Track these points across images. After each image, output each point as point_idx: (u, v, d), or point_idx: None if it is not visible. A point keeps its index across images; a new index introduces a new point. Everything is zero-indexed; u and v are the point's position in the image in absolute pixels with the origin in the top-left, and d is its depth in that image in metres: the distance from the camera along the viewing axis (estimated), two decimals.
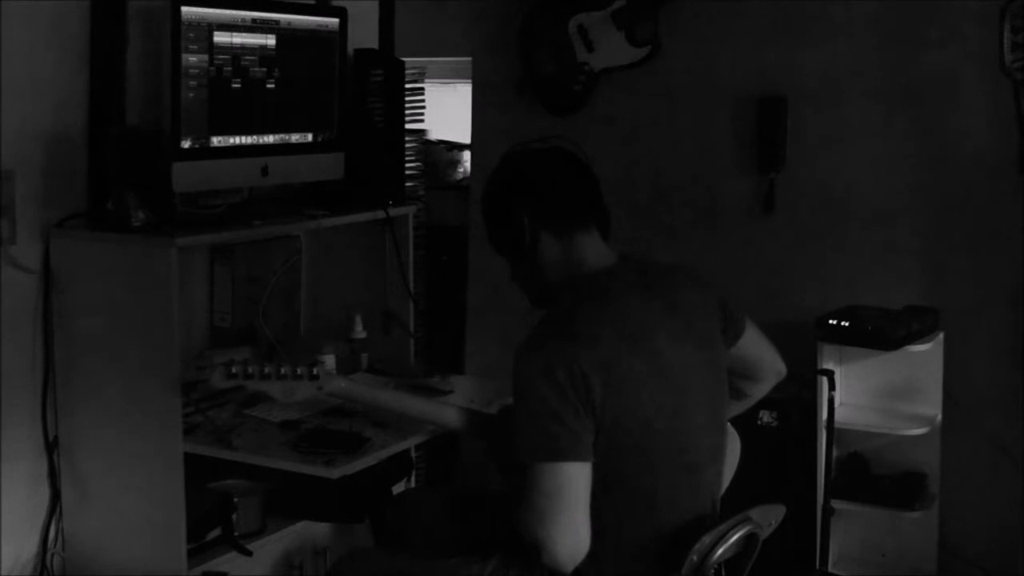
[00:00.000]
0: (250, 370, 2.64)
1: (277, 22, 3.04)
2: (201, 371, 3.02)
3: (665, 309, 2.36)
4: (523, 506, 2.20)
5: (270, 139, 3.09)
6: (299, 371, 2.65)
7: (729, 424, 2.54)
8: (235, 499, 2.98)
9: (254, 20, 2.98)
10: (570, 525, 2.18)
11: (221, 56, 2.89)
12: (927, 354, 3.64)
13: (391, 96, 3.41)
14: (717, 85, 4.00)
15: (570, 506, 2.18)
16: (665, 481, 2.30)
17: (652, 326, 2.32)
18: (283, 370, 2.65)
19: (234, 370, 2.64)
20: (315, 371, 2.66)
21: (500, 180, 2.47)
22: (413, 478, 3.52)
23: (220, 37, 2.88)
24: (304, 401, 2.73)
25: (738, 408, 2.65)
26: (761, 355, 2.61)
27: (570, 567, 2.20)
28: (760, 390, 2.67)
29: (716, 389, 2.43)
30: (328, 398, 2.78)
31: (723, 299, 2.49)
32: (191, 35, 2.80)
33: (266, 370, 2.65)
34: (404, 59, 3.54)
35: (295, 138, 3.16)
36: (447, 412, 2.68)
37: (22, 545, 2.90)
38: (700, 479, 2.37)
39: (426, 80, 4.55)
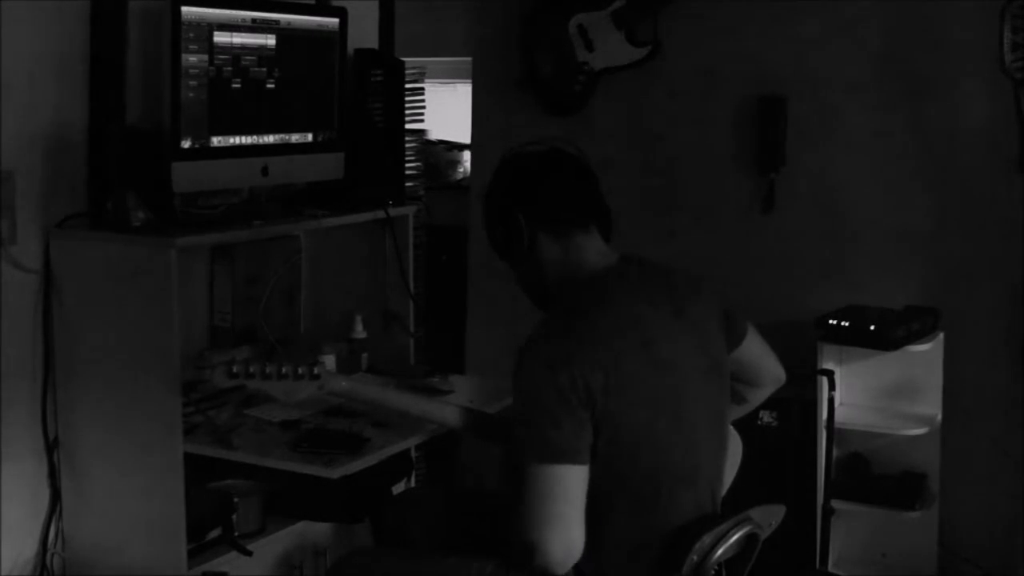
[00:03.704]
0: (251, 370, 2.65)
1: (277, 22, 3.04)
2: (201, 371, 3.03)
3: (667, 310, 2.36)
4: (517, 508, 2.20)
5: (270, 139, 3.08)
6: (300, 371, 2.65)
7: (730, 425, 2.54)
8: (235, 499, 2.97)
9: (254, 20, 2.98)
10: (563, 528, 2.17)
11: (221, 56, 2.89)
12: (927, 354, 3.64)
13: (391, 96, 3.41)
14: (717, 85, 4.01)
15: (564, 509, 2.18)
16: (666, 481, 2.30)
17: (653, 327, 2.32)
18: (284, 370, 2.65)
19: (235, 370, 2.64)
20: (316, 371, 2.67)
21: (496, 183, 2.47)
22: (413, 478, 3.52)
23: (220, 37, 2.88)
24: (305, 401, 2.73)
25: (737, 413, 2.64)
26: (761, 361, 2.60)
27: (562, 571, 2.19)
28: (759, 396, 2.67)
29: (717, 390, 2.42)
30: (329, 397, 2.78)
31: (725, 302, 2.49)
32: (191, 35, 2.80)
33: (267, 370, 2.65)
34: (404, 59, 3.54)
35: (295, 138, 3.16)
36: (448, 412, 2.68)
37: (22, 545, 2.89)
38: (701, 479, 2.37)
39: (426, 80, 4.56)
